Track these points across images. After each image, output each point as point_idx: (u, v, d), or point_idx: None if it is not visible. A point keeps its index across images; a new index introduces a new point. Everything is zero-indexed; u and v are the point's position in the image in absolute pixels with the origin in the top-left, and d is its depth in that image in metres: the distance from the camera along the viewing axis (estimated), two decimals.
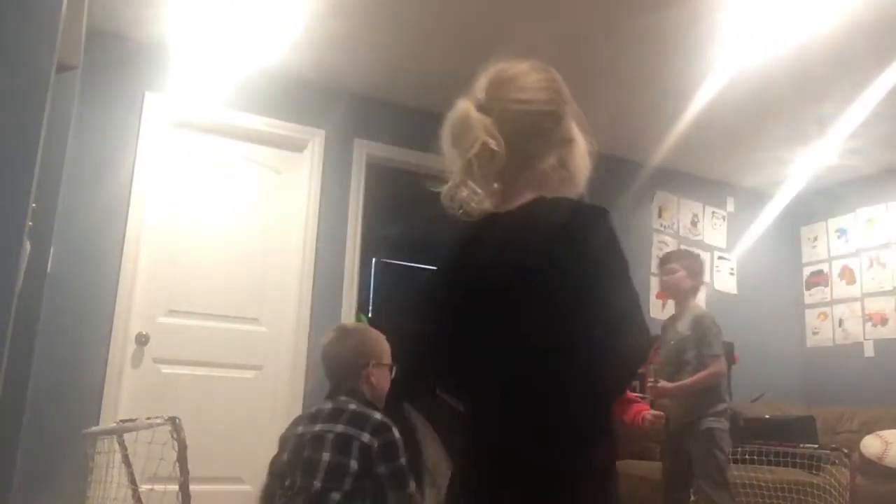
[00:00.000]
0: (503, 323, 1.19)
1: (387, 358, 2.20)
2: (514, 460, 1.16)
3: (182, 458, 2.13)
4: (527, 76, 1.38)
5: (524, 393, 1.16)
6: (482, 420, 1.22)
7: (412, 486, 1.98)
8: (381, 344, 2.22)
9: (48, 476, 3.14)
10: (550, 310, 1.15)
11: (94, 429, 2.90)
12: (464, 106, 1.31)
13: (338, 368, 2.16)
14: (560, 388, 1.14)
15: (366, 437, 1.96)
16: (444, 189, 1.31)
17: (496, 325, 1.19)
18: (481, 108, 1.29)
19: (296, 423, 2.16)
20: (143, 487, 2.53)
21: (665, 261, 3.25)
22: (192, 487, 2.14)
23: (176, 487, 2.13)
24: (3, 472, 2.53)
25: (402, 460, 1.97)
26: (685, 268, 3.16)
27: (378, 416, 2.02)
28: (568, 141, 1.37)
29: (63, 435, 3.17)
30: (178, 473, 2.11)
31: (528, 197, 1.26)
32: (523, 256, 1.18)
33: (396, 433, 1.99)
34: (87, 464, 2.83)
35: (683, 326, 3.09)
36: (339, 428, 1.98)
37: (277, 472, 2.09)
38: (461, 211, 1.29)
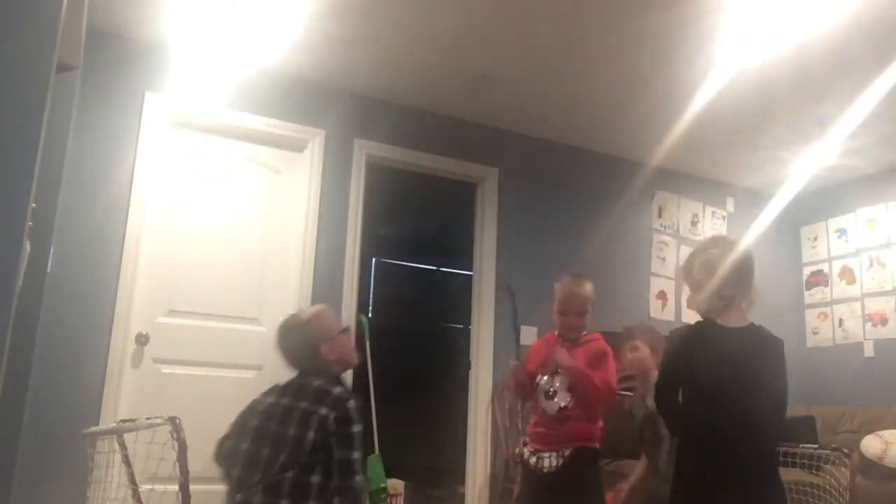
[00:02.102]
0: (731, 391, 2.08)
1: (334, 329, 2.40)
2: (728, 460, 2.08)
3: (182, 458, 2.13)
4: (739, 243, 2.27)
5: (738, 428, 2.07)
6: (710, 444, 2.10)
7: (356, 453, 2.16)
8: (324, 321, 2.42)
9: (48, 476, 3.14)
10: (756, 391, 2.08)
11: (94, 429, 2.90)
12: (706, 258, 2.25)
13: (297, 358, 2.39)
14: (753, 430, 2.08)
15: (324, 410, 2.17)
16: (696, 302, 2.21)
17: (726, 390, 2.09)
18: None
19: (268, 392, 2.38)
20: (143, 487, 2.53)
21: (628, 336, 3.13)
22: (192, 487, 2.15)
23: (176, 487, 2.13)
24: (3, 472, 2.52)
25: (354, 428, 2.17)
26: (648, 344, 3.03)
27: (338, 390, 2.23)
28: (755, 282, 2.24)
29: (63, 435, 3.17)
30: (178, 473, 2.11)
31: (745, 319, 2.20)
32: (751, 358, 2.15)
33: (352, 404, 2.20)
34: (87, 464, 2.82)
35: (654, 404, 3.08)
36: (304, 404, 2.21)
37: (237, 432, 2.32)
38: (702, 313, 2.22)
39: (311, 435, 2.14)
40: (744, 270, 2.19)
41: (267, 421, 2.26)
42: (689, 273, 2.24)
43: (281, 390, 2.35)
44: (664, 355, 2.31)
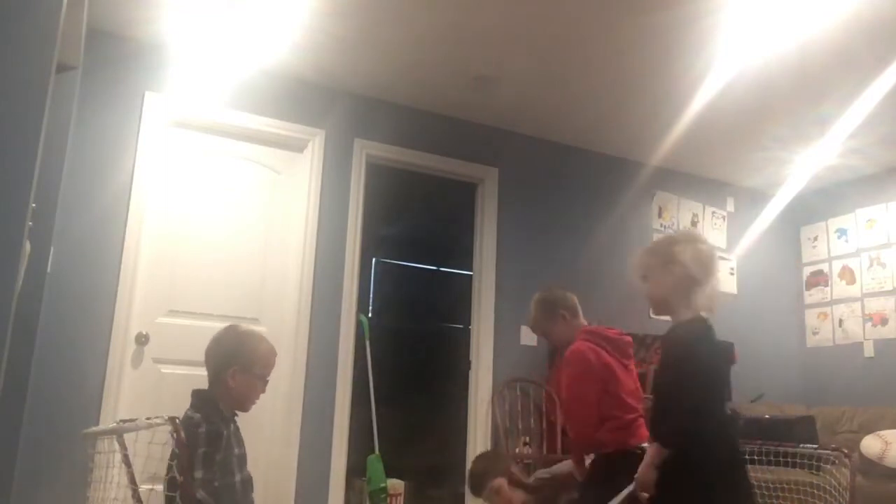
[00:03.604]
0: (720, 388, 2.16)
1: (258, 367, 2.28)
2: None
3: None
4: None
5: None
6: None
7: (198, 473, 2.05)
8: (255, 352, 2.29)
9: (48, 476, 3.14)
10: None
11: (94, 429, 2.90)
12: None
13: (207, 362, 2.31)
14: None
15: (175, 434, 2.09)
16: (703, 299, 2.14)
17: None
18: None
19: None
20: (143, 487, 2.52)
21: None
22: None
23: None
24: (3, 472, 2.52)
25: (199, 450, 2.08)
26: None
27: (190, 413, 2.17)
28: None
29: (63, 435, 3.17)
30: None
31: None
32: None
33: (203, 429, 2.11)
34: (87, 464, 2.82)
35: None
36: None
37: None
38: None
39: (169, 460, 2.09)
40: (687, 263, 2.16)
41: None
42: (675, 264, 2.11)
43: None
44: (691, 354, 2.09)
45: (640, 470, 2.09)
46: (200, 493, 2.07)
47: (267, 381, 2.34)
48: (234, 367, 2.25)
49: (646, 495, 2.13)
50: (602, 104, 4.27)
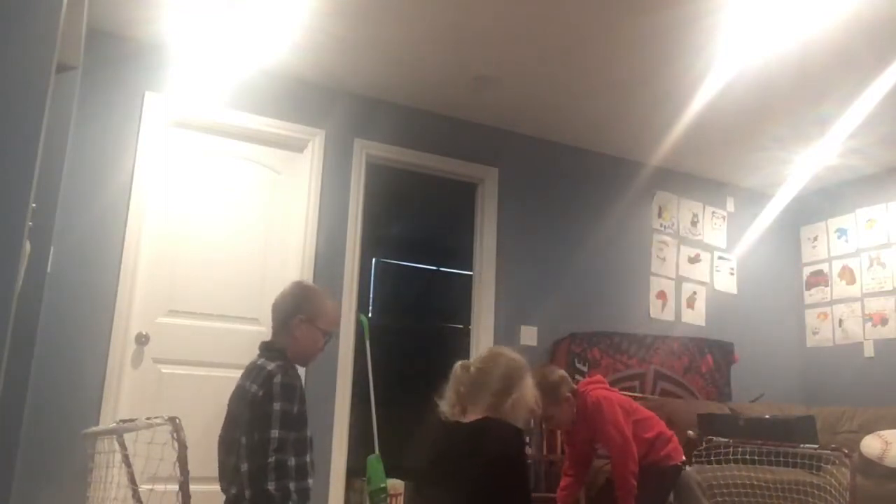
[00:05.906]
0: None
1: (322, 321, 2.28)
2: None
3: (182, 458, 2.13)
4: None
5: None
6: None
7: (275, 432, 2.01)
8: (322, 306, 2.30)
9: (48, 476, 3.14)
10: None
11: (94, 429, 2.90)
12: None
13: (274, 315, 2.30)
14: None
15: (254, 387, 2.10)
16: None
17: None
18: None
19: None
20: (143, 487, 2.53)
21: None
22: (192, 487, 2.14)
23: (176, 487, 2.13)
24: (3, 472, 2.53)
25: (275, 405, 2.04)
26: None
27: (270, 366, 2.13)
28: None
29: (63, 435, 3.18)
30: (178, 473, 2.11)
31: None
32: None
33: (278, 379, 2.08)
34: (87, 464, 2.82)
35: None
36: (247, 383, 2.16)
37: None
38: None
39: (246, 415, 2.08)
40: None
41: (231, 403, 2.23)
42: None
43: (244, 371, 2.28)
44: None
45: None
46: (278, 459, 2.00)
47: (329, 339, 2.32)
48: (300, 315, 2.25)
49: None
50: (602, 104, 4.27)
